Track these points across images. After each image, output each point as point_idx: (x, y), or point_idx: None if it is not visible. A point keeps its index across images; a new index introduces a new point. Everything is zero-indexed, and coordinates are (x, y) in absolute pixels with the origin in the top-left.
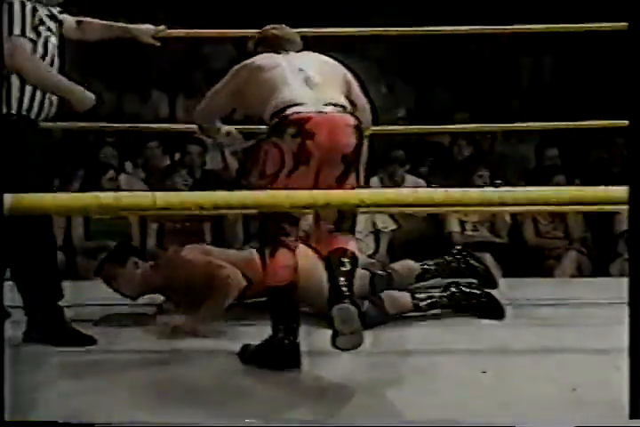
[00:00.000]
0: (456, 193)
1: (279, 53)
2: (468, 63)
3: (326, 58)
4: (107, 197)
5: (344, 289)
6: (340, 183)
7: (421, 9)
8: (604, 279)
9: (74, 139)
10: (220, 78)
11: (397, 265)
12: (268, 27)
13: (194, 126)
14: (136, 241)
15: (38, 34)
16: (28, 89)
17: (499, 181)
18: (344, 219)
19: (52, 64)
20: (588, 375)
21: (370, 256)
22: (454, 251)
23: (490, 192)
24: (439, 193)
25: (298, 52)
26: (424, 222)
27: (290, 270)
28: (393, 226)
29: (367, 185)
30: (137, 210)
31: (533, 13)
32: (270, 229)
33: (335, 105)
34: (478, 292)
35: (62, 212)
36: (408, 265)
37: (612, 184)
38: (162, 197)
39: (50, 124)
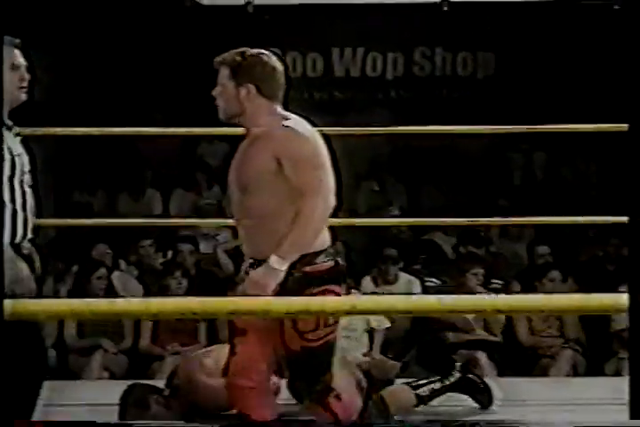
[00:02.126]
0: (449, 300)
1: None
2: (460, 161)
3: None
4: (99, 303)
5: None
6: None
7: (411, 108)
8: (601, 379)
9: (67, 237)
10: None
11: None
12: (259, 54)
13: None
14: (129, 340)
15: None
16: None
17: (497, 281)
18: None
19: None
20: None
21: (364, 355)
22: (453, 368)
23: (484, 299)
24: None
25: None
26: (417, 320)
27: None
28: (387, 324)
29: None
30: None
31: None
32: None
33: None
34: (479, 379)
35: (54, 317)
36: (401, 393)
37: (608, 282)
38: (155, 304)
39: (47, 220)
